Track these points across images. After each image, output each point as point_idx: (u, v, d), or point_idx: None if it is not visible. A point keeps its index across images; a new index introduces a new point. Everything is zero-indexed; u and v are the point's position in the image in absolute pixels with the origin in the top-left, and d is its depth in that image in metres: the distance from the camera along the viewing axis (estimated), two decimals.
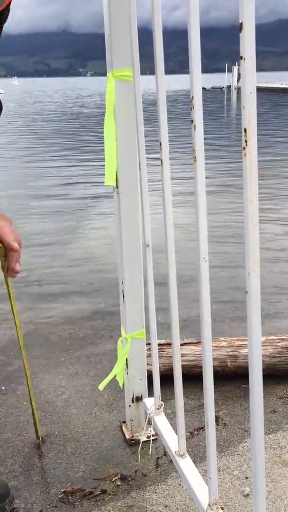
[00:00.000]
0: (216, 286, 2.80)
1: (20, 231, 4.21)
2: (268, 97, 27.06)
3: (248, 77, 0.67)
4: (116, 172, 1.39)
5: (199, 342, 2.04)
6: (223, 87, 37.90)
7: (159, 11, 1.00)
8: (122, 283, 1.51)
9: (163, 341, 2.02)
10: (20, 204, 5.32)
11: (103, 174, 1.39)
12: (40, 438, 1.68)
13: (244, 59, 0.67)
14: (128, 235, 1.45)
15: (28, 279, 3.20)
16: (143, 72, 1.21)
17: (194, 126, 0.86)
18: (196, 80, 0.84)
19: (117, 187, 1.41)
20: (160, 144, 1.05)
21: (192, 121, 0.86)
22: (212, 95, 30.19)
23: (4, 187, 6.37)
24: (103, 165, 1.38)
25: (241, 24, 0.66)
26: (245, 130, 0.69)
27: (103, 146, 1.38)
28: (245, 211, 0.71)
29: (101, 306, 2.75)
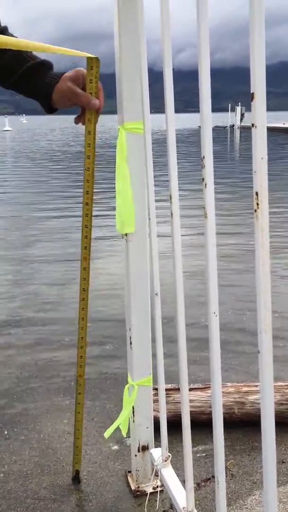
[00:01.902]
0: (222, 329, 2.78)
1: (22, 272, 4.26)
2: (271, 137, 27.60)
3: (259, 143, 0.70)
4: (125, 220, 1.42)
5: (206, 388, 2.01)
6: (226, 126, 38.67)
7: (171, 79, 1.05)
8: (130, 329, 1.51)
9: (169, 386, 1.99)
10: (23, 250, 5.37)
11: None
12: (75, 472, 1.66)
13: (256, 126, 0.69)
14: (136, 282, 1.46)
15: (32, 319, 3.19)
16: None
17: (205, 184, 0.88)
18: (207, 140, 0.87)
19: (126, 235, 1.43)
20: (171, 198, 1.08)
21: (203, 179, 0.89)
22: (215, 134, 30.70)
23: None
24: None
25: (252, 94, 0.69)
26: (256, 193, 0.71)
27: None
28: (256, 272, 0.72)
29: (105, 347, 2.73)
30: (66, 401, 2.20)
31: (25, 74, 1.29)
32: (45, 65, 1.31)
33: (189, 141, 25.28)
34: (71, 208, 7.01)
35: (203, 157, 0.88)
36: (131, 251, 1.44)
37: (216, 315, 0.92)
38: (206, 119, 0.84)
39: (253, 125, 0.70)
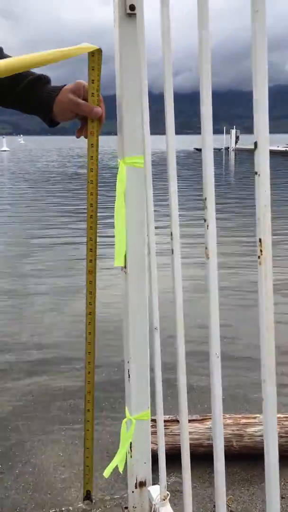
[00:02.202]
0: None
1: (18, 292, 4.23)
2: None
3: (262, 191, 0.70)
4: (125, 253, 1.42)
5: (204, 419, 1.99)
6: (221, 148, 39.10)
7: (171, 106, 1.06)
8: (128, 362, 1.49)
9: (166, 417, 1.97)
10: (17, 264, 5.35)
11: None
12: (86, 493, 1.61)
13: (259, 174, 0.70)
14: (135, 315, 1.45)
15: (27, 344, 3.16)
16: None
17: (207, 226, 0.88)
18: (209, 180, 0.87)
19: (125, 267, 1.43)
20: (172, 235, 1.08)
21: (204, 220, 0.89)
22: None
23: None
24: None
25: (256, 143, 0.69)
26: (260, 240, 0.71)
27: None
28: (260, 319, 0.71)
29: (102, 376, 2.69)
30: (62, 432, 2.16)
31: (24, 90, 1.30)
32: (43, 79, 1.32)
33: (185, 163, 25.52)
34: (67, 235, 7.02)
35: (205, 199, 0.88)
36: (130, 284, 1.43)
37: (218, 357, 0.91)
38: (207, 164, 0.84)
39: (256, 172, 0.70)
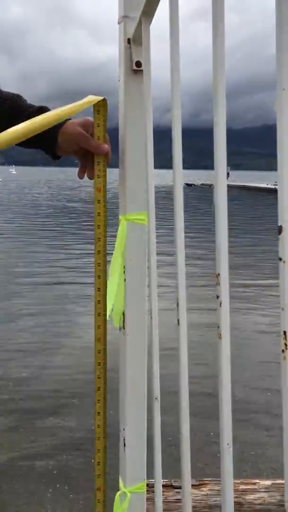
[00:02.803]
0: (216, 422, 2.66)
1: (5, 336, 4.08)
2: (257, 196, 28.30)
3: None
4: (124, 312, 1.34)
5: (201, 485, 1.87)
6: (212, 184, 39.58)
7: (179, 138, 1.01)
8: (124, 429, 1.40)
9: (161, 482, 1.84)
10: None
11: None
12: None
13: (284, 261, 0.64)
14: (133, 379, 1.36)
15: (14, 395, 3.02)
16: None
17: (220, 303, 0.82)
18: (223, 256, 0.81)
19: (123, 327, 1.35)
20: (178, 305, 1.01)
21: (217, 296, 0.82)
22: (202, 193, 31.55)
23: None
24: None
25: (280, 227, 0.63)
26: (284, 333, 0.64)
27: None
28: (284, 420, 0.64)
29: (93, 429, 2.56)
30: (48, 494, 2.02)
31: None
32: (44, 111, 1.27)
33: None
34: (58, 273, 6.91)
35: (218, 275, 0.81)
36: (128, 346, 1.35)
37: (229, 447, 0.83)
38: (222, 248, 0.78)
39: (280, 259, 0.64)
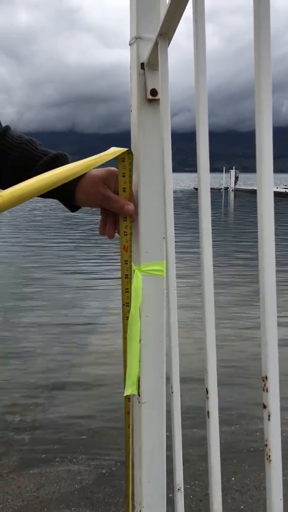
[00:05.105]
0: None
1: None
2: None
3: None
4: (139, 377, 1.15)
5: None
6: (221, 188, 39.33)
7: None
8: (140, 511, 1.20)
9: None
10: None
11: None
12: None
13: None
14: (151, 456, 1.17)
15: (19, 425, 2.85)
16: None
17: (269, 415, 0.63)
18: (271, 358, 0.62)
19: (139, 395, 1.16)
20: (207, 393, 0.82)
21: (264, 406, 0.63)
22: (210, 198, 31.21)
23: None
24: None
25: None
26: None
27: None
28: None
29: (104, 463, 2.37)
30: None
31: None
32: (61, 159, 1.09)
33: (184, 203, 25.52)
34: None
35: (265, 377, 0.62)
36: (144, 416, 1.16)
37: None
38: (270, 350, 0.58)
39: None
